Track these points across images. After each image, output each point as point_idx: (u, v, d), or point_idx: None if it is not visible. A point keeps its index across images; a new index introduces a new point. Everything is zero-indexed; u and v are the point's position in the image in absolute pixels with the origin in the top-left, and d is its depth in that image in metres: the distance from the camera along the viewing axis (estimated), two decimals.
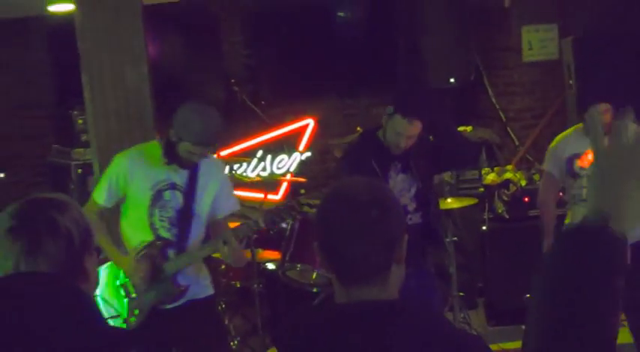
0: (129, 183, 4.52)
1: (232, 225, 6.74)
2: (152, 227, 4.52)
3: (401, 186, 4.90)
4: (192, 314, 4.64)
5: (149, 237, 4.51)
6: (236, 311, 7.07)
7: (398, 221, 2.10)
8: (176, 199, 4.54)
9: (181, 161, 4.49)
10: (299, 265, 6.21)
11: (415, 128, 4.78)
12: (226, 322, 6.79)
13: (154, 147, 4.61)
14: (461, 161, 5.45)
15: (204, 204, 4.61)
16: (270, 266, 6.72)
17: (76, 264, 2.24)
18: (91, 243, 2.30)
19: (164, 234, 4.53)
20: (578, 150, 5.44)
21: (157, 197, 4.51)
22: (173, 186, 4.53)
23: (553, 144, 5.71)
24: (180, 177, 4.54)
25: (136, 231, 4.57)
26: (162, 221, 4.53)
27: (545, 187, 5.82)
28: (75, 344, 1.84)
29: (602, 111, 5.19)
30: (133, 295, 4.49)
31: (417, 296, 4.58)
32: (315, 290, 6.03)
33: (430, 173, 5.12)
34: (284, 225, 5.98)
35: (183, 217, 4.56)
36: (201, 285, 4.72)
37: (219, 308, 6.79)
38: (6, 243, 2.19)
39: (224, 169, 5.15)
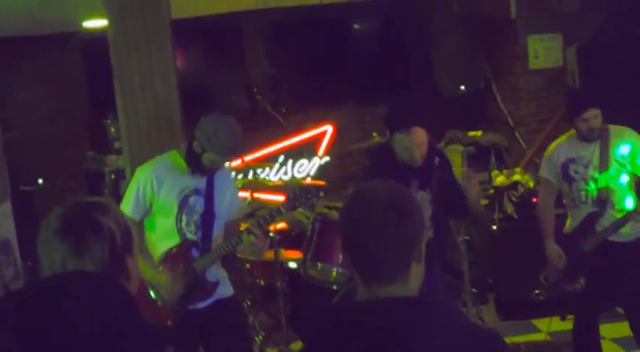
0: (156, 193, 4.62)
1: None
2: (180, 232, 4.67)
3: (420, 203, 4.75)
4: (221, 312, 4.80)
5: (177, 242, 4.68)
6: (260, 307, 7.23)
7: (417, 222, 2.16)
8: (200, 203, 4.69)
9: (204, 169, 4.65)
10: (320, 264, 6.42)
11: (418, 136, 4.73)
12: (251, 318, 6.96)
13: (174, 156, 4.74)
14: (453, 210, 5.17)
15: (222, 206, 4.77)
16: (293, 265, 6.86)
17: (118, 264, 2.26)
18: (131, 244, 2.33)
19: (191, 236, 4.70)
20: (572, 155, 5.47)
21: (183, 203, 4.64)
22: (197, 192, 4.68)
23: (548, 151, 5.70)
24: (200, 182, 4.69)
25: (165, 240, 4.68)
26: (188, 225, 4.68)
27: (544, 193, 5.80)
28: (121, 342, 1.81)
29: (592, 117, 5.29)
30: (166, 297, 4.60)
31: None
32: (335, 287, 6.19)
33: (442, 194, 4.97)
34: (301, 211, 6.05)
35: (206, 219, 4.72)
36: (225, 285, 4.89)
37: (245, 305, 7.03)
38: (54, 243, 2.22)
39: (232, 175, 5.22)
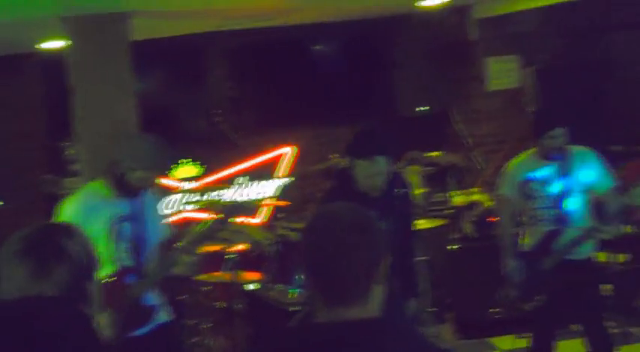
0: (87, 226, 4.40)
1: (211, 248, 6.98)
2: (116, 260, 4.58)
3: None
4: (161, 338, 4.73)
5: (112, 270, 4.56)
6: (219, 330, 7.13)
7: (379, 244, 2.16)
8: (130, 229, 4.62)
9: (133, 191, 4.57)
10: (279, 285, 6.48)
11: (379, 165, 4.70)
12: (210, 341, 6.93)
13: (99, 185, 4.63)
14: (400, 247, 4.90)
15: (152, 230, 4.72)
16: (251, 286, 6.81)
17: (80, 288, 2.25)
18: (94, 269, 2.33)
19: (127, 263, 4.61)
20: (533, 173, 5.51)
21: (114, 231, 4.55)
22: (127, 218, 4.61)
23: (508, 168, 5.73)
24: (129, 208, 4.61)
25: (102, 270, 4.50)
26: (122, 252, 4.60)
27: (503, 211, 5.79)
28: None
29: (559, 135, 5.34)
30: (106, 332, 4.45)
31: None
32: (294, 308, 6.08)
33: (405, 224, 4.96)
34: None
35: (139, 244, 4.65)
36: (163, 310, 4.83)
37: (204, 328, 7.02)
38: (14, 264, 2.21)
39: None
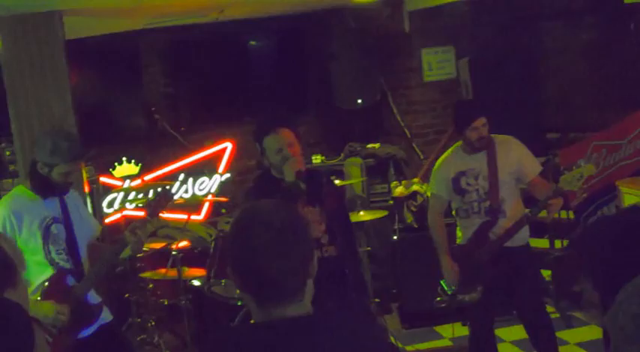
0: (17, 230, 4.46)
1: (155, 245, 6.95)
2: (52, 263, 4.55)
3: (311, 218, 4.60)
4: (106, 339, 4.73)
5: (51, 274, 4.54)
6: (165, 327, 7.20)
7: (309, 239, 2.15)
8: (62, 230, 4.60)
9: (58, 188, 4.56)
10: (223, 281, 6.48)
11: (286, 135, 4.69)
12: (156, 338, 6.92)
13: (23, 190, 4.61)
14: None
15: (82, 228, 4.72)
16: (196, 283, 6.84)
17: None
18: (11, 278, 2.22)
19: (64, 265, 4.59)
20: (462, 168, 5.55)
21: (46, 234, 4.52)
22: (56, 220, 4.59)
23: (437, 166, 5.76)
24: (57, 210, 4.60)
25: (39, 275, 4.50)
26: (59, 254, 4.57)
27: (434, 208, 5.80)
28: None
29: (481, 125, 5.41)
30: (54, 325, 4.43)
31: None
32: (239, 303, 6.23)
33: (340, 212, 4.94)
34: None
35: (72, 245, 4.63)
36: (106, 310, 4.81)
37: (150, 325, 7.03)
38: None
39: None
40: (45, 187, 4.55)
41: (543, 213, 5.48)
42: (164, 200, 4.75)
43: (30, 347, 1.96)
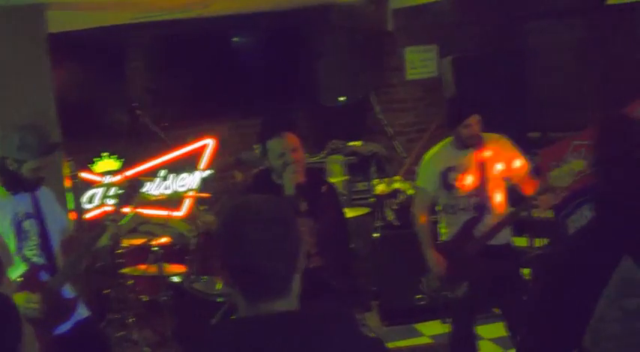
0: None
1: (136, 241, 6.94)
2: (24, 259, 4.54)
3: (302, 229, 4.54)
4: (84, 335, 4.74)
5: (23, 270, 4.52)
6: (145, 323, 7.16)
7: (298, 234, 2.16)
8: (34, 226, 4.59)
9: (28, 184, 4.56)
10: (204, 277, 6.48)
11: (290, 139, 4.68)
12: (136, 334, 6.91)
13: None
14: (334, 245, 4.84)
15: (54, 223, 4.72)
16: (176, 279, 6.80)
17: None
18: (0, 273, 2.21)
19: (37, 260, 4.58)
20: (451, 163, 5.55)
21: (19, 230, 4.52)
22: (28, 216, 4.58)
23: (425, 160, 5.77)
24: (29, 205, 4.59)
25: (12, 271, 4.45)
26: (31, 250, 4.56)
27: (420, 202, 5.80)
28: None
29: (475, 123, 5.43)
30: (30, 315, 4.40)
31: None
32: (220, 300, 6.21)
33: (335, 222, 4.85)
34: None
35: (45, 240, 4.63)
36: (82, 305, 4.82)
37: (130, 321, 7.01)
38: None
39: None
40: (15, 183, 4.54)
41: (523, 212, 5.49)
42: (132, 192, 4.85)
43: (19, 337, 2.00)
